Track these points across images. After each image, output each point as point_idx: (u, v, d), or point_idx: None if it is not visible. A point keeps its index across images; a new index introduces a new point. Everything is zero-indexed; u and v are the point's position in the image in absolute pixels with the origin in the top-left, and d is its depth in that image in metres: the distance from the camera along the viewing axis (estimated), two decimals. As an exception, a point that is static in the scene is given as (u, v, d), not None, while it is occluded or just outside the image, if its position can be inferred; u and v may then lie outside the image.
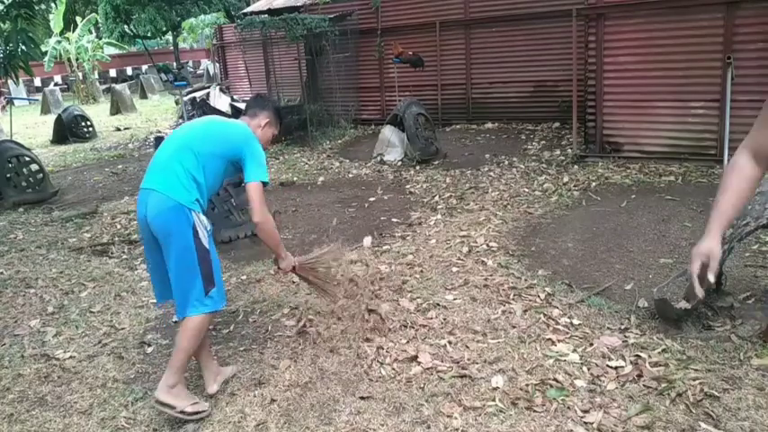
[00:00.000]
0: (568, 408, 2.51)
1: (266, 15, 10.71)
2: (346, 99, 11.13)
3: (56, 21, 21.07)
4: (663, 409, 2.45)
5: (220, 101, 13.04)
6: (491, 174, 6.83)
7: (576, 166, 6.71)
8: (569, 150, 7.42)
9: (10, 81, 14.13)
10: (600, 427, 2.38)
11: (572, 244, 4.47)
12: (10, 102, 17.64)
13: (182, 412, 2.58)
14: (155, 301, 4.03)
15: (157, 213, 2.58)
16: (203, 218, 2.69)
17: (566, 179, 6.22)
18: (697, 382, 2.58)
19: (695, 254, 1.83)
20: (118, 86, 18.79)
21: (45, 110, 18.49)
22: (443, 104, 10.48)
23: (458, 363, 2.91)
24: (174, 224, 2.58)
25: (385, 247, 4.70)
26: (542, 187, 6.07)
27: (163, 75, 26.60)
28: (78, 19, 23.35)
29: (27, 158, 7.49)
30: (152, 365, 3.22)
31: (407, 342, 3.16)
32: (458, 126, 10.17)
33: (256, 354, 3.21)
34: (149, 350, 3.39)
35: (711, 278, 1.79)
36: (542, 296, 3.56)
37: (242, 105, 12.78)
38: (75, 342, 3.52)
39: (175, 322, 3.70)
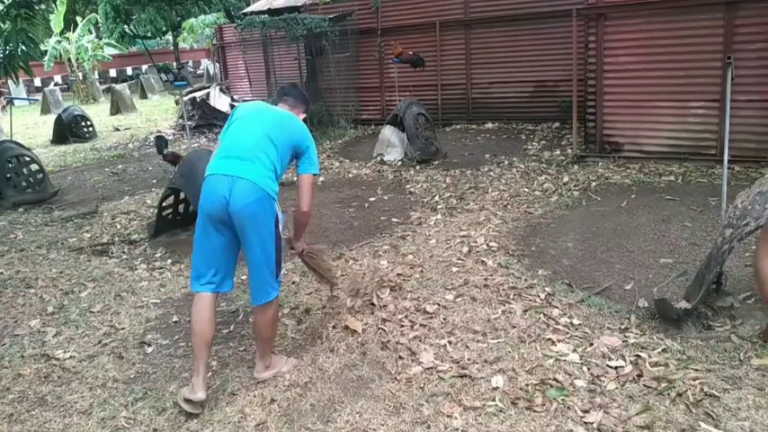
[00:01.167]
0: (568, 408, 2.51)
1: (266, 15, 10.72)
2: (346, 99, 11.13)
3: (56, 21, 21.05)
4: (663, 409, 2.45)
5: (220, 101, 13.05)
6: (491, 174, 6.83)
7: (576, 166, 6.71)
8: (569, 150, 7.42)
9: (10, 81, 14.12)
10: (600, 427, 2.38)
11: (572, 244, 4.47)
12: (10, 102, 17.64)
13: (281, 375, 2.93)
14: (155, 301, 4.05)
15: (248, 202, 2.64)
16: (279, 207, 2.83)
17: (566, 179, 6.22)
18: (697, 382, 2.58)
19: None
20: (118, 86, 18.78)
21: (45, 110, 18.48)
22: (443, 104, 10.48)
23: (458, 363, 2.91)
24: (262, 213, 2.68)
25: (385, 247, 4.70)
26: (542, 187, 6.07)
27: (163, 75, 26.59)
28: (78, 19, 23.34)
29: (27, 158, 7.49)
30: (152, 365, 3.22)
31: (407, 342, 3.16)
32: (458, 126, 10.17)
33: (256, 353, 3.20)
34: (149, 350, 3.39)
35: None
36: (542, 296, 3.56)
37: (242, 105, 12.82)
38: (75, 342, 3.52)
39: (175, 322, 3.71)
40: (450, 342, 3.13)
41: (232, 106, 12.86)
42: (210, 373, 3.02)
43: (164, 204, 5.41)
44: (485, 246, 4.50)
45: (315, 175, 2.94)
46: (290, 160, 2.92)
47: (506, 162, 7.30)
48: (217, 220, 2.71)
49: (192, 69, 30.75)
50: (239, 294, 4.03)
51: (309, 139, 2.94)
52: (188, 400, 2.68)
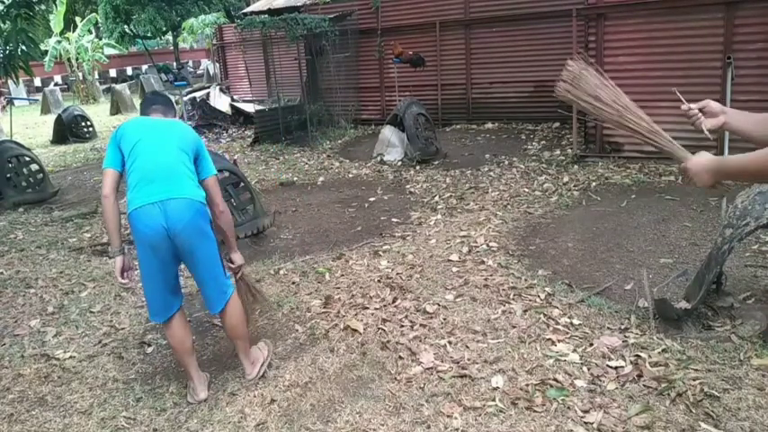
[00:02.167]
0: (568, 408, 2.51)
1: (266, 15, 10.71)
2: (346, 99, 11.13)
3: (56, 21, 21.05)
4: (663, 409, 2.45)
5: (220, 101, 13.05)
6: (491, 174, 6.83)
7: (576, 166, 6.71)
8: (569, 150, 7.42)
9: (10, 81, 14.12)
10: (600, 427, 2.38)
11: (572, 244, 4.47)
12: (10, 102, 17.63)
13: (269, 364, 3.01)
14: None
15: (188, 220, 2.59)
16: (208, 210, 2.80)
17: (566, 179, 6.22)
18: (697, 382, 2.58)
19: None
20: (118, 86, 18.78)
21: (45, 110, 18.47)
22: (443, 104, 10.47)
23: (458, 363, 2.91)
24: (203, 223, 2.67)
25: (385, 247, 4.70)
26: (542, 187, 6.07)
27: (163, 75, 26.57)
28: (78, 19, 23.33)
29: (27, 158, 7.49)
30: (152, 365, 3.22)
31: (407, 342, 3.16)
32: (458, 126, 10.17)
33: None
34: (149, 350, 3.39)
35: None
36: (542, 296, 3.56)
37: (242, 105, 12.84)
38: (75, 342, 3.52)
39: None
40: (450, 342, 3.13)
41: (232, 106, 12.88)
42: (209, 375, 3.02)
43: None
44: (485, 246, 4.50)
45: (215, 175, 2.93)
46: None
47: (506, 162, 7.30)
48: (159, 250, 2.62)
49: (191, 69, 30.74)
50: (239, 294, 4.02)
51: (202, 142, 2.93)
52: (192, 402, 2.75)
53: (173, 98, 13.40)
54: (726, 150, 4.45)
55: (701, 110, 1.78)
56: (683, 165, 1.64)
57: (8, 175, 7.20)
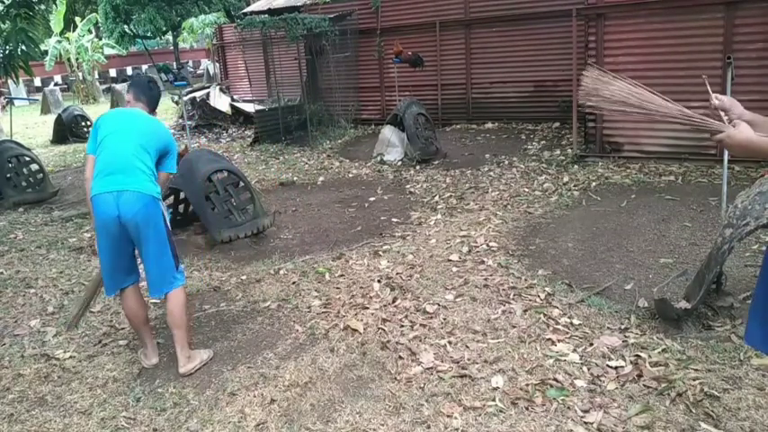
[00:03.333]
0: (568, 408, 2.51)
1: (266, 15, 10.71)
2: (346, 99, 11.13)
3: (56, 21, 21.05)
4: (663, 409, 2.46)
5: (220, 101, 13.05)
6: (491, 174, 6.83)
7: (576, 166, 6.71)
8: (569, 150, 7.42)
9: (10, 81, 14.12)
10: (600, 427, 2.38)
11: (572, 244, 4.47)
12: (10, 102, 17.62)
13: (204, 363, 3.14)
14: (155, 300, 4.04)
15: (137, 210, 2.89)
16: (164, 204, 3.09)
17: (566, 179, 6.22)
18: (697, 382, 2.58)
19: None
20: (118, 86, 18.76)
21: (45, 110, 18.47)
22: (443, 104, 10.48)
23: (458, 363, 2.91)
24: (152, 215, 2.94)
25: (385, 247, 4.70)
26: (542, 187, 6.07)
27: (163, 75, 26.55)
28: (78, 19, 23.33)
29: (27, 158, 7.48)
30: (152, 365, 3.21)
31: (407, 342, 3.16)
32: (458, 126, 10.17)
33: (256, 353, 3.21)
34: (149, 350, 3.39)
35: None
36: (542, 296, 3.56)
37: (242, 105, 12.84)
38: (75, 342, 3.52)
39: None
40: (450, 342, 3.13)
41: (232, 106, 12.88)
42: (208, 375, 3.02)
43: (164, 204, 5.41)
44: (485, 246, 4.50)
45: (172, 174, 3.25)
46: (159, 161, 3.13)
47: (506, 162, 7.30)
48: (113, 234, 2.93)
49: (191, 69, 30.72)
50: (239, 294, 4.02)
51: (173, 141, 3.22)
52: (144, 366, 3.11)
53: (177, 98, 13.39)
54: (726, 151, 4.45)
55: (723, 110, 1.80)
56: (719, 137, 1.73)
57: (8, 175, 7.20)
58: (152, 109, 3.30)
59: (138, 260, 3.15)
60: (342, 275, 4.20)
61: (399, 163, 7.79)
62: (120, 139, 2.97)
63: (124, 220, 2.88)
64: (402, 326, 3.35)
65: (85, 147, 3.21)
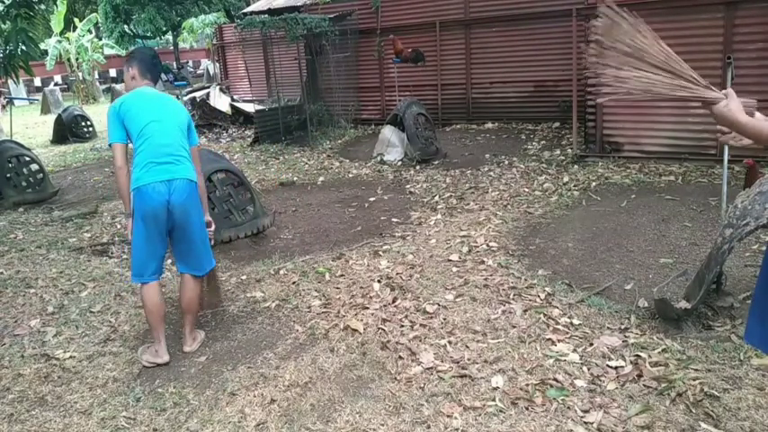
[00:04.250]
0: (568, 408, 2.51)
1: (266, 15, 10.71)
2: (346, 99, 11.13)
3: (56, 21, 21.05)
4: (663, 409, 2.46)
5: (220, 101, 13.05)
6: (491, 174, 6.83)
7: (576, 166, 6.71)
8: (569, 150, 7.42)
9: (10, 81, 14.12)
10: (600, 427, 2.38)
11: (572, 244, 4.47)
12: (10, 102, 17.63)
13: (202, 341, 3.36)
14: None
15: (186, 197, 3.07)
16: None
17: (566, 179, 6.22)
18: (697, 382, 2.58)
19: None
20: (118, 86, 18.80)
21: (45, 110, 18.48)
22: (443, 104, 10.48)
23: (458, 363, 2.91)
24: (196, 200, 3.17)
25: (385, 247, 4.70)
26: (542, 187, 6.07)
27: (163, 75, 26.57)
28: (77, 19, 23.33)
29: (27, 158, 7.48)
30: (152, 365, 3.21)
31: (407, 342, 3.16)
32: (458, 126, 10.17)
33: (256, 353, 3.21)
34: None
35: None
36: (542, 296, 3.56)
37: (242, 105, 12.83)
38: (75, 342, 3.52)
39: (176, 321, 3.70)
40: (450, 342, 3.13)
41: (232, 106, 12.88)
42: (208, 375, 3.02)
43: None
44: (485, 246, 4.50)
45: (198, 144, 3.39)
46: None
47: (506, 162, 7.30)
48: (158, 222, 3.04)
49: (191, 69, 30.72)
50: (239, 294, 4.02)
51: (189, 114, 3.34)
52: (152, 363, 3.15)
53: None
54: (726, 150, 4.45)
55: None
56: (712, 108, 1.72)
57: (8, 175, 7.20)
58: (155, 84, 3.31)
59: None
60: (342, 275, 4.20)
61: (399, 163, 7.79)
62: (164, 128, 3.06)
63: (173, 205, 3.01)
64: (402, 326, 3.35)
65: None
